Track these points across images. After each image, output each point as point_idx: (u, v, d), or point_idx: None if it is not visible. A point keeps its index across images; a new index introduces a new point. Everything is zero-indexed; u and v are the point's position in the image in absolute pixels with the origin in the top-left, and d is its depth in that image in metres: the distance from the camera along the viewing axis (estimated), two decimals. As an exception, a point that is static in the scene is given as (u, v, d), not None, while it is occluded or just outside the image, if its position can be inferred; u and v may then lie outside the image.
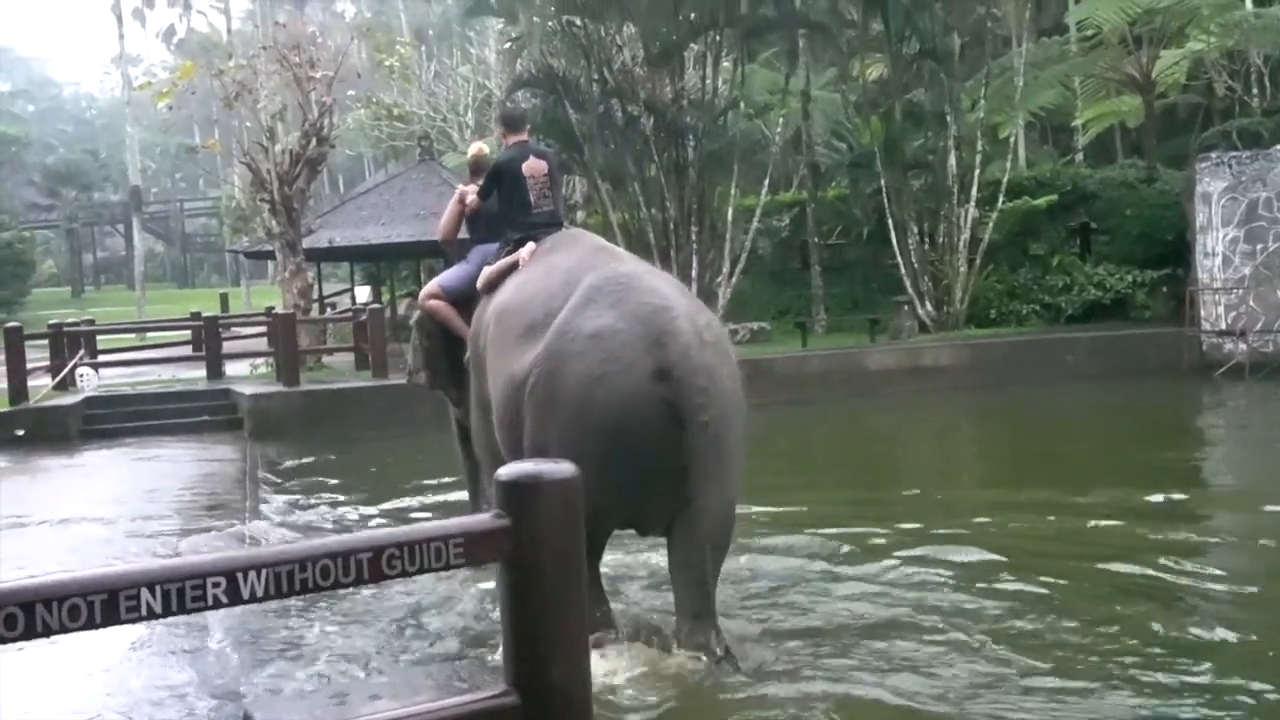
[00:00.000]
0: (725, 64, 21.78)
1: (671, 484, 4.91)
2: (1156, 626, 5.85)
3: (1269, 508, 8.83)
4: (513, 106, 7.53)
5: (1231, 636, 5.73)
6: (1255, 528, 8.42)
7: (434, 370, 7.09)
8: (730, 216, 20.65)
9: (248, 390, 15.55)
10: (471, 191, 7.00)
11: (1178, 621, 6.01)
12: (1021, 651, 5.46)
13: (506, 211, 6.49)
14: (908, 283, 21.11)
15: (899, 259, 21.14)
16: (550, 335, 5.14)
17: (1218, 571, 7.05)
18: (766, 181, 21.51)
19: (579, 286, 5.25)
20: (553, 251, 6.04)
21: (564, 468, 2.43)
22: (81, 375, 16.87)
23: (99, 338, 19.56)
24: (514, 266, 6.24)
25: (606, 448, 4.76)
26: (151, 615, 2.07)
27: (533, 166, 6.43)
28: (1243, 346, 18.35)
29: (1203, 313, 19.06)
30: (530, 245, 6.25)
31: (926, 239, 21.44)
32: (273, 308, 21.91)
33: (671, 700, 4.93)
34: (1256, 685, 5.04)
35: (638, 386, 4.85)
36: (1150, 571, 6.93)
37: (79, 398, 15.50)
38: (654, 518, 5.25)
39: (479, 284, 6.46)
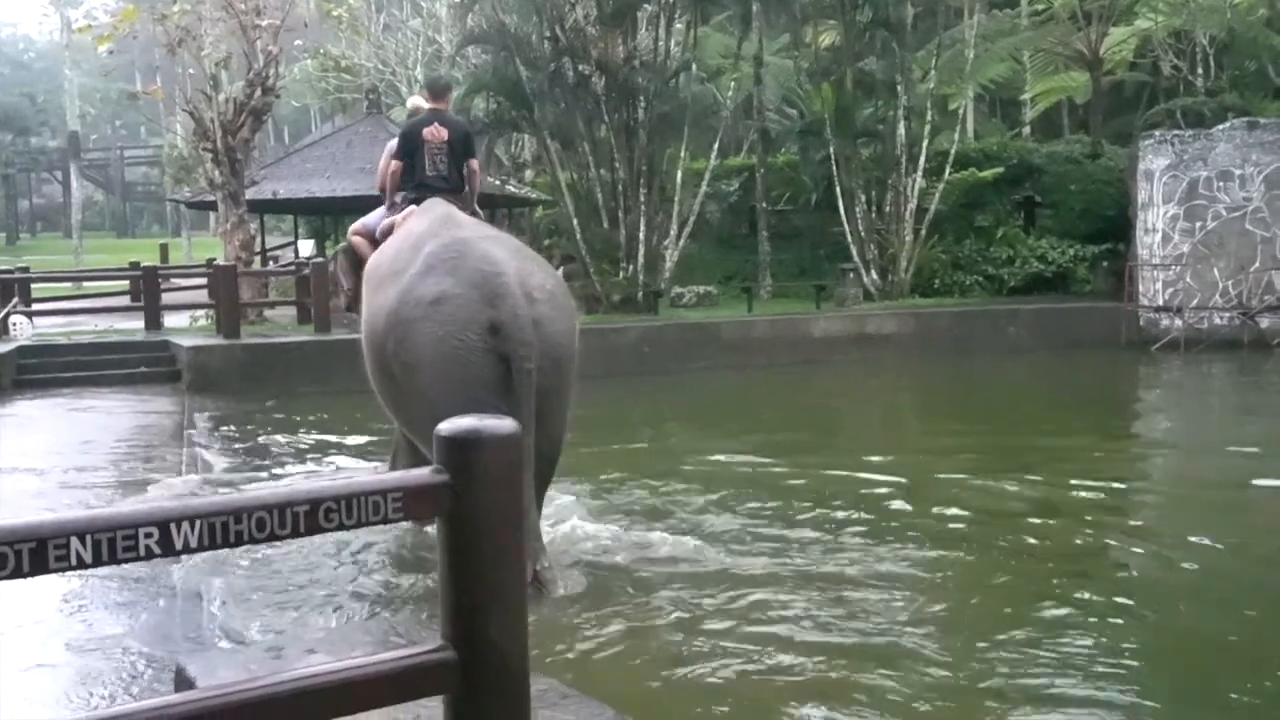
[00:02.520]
0: (678, 26, 21.64)
1: None
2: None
3: (1189, 476, 9.12)
4: (436, 76, 8.25)
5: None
6: (1174, 495, 8.99)
7: (354, 295, 7.45)
8: (679, 180, 20.60)
9: (187, 342, 15.32)
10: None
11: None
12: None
13: (405, 172, 7.02)
14: (854, 251, 21.22)
15: (846, 227, 21.24)
16: (397, 302, 5.82)
17: (1114, 523, 7.62)
18: (716, 146, 21.48)
19: (420, 253, 5.91)
20: (417, 216, 6.62)
21: (504, 423, 2.42)
22: (15, 324, 16.53)
23: (34, 286, 19.15)
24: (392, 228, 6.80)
25: (457, 395, 5.32)
26: (81, 565, 2.03)
27: (433, 132, 6.93)
28: (1179, 322, 18.69)
29: (1141, 288, 19.37)
30: (410, 208, 6.76)
31: (874, 208, 21.56)
32: (214, 259, 21.60)
33: (605, 653, 5.00)
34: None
35: (475, 343, 5.55)
36: (1058, 527, 7.51)
37: (12, 346, 15.17)
38: None
39: (377, 234, 7.06)
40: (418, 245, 6.05)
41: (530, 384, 5.50)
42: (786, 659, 5.06)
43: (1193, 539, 7.27)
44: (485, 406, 4.99)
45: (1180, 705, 4.87)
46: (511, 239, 6.73)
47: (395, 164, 7.14)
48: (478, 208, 7.44)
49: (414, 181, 6.97)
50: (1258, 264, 18.85)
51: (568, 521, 7.18)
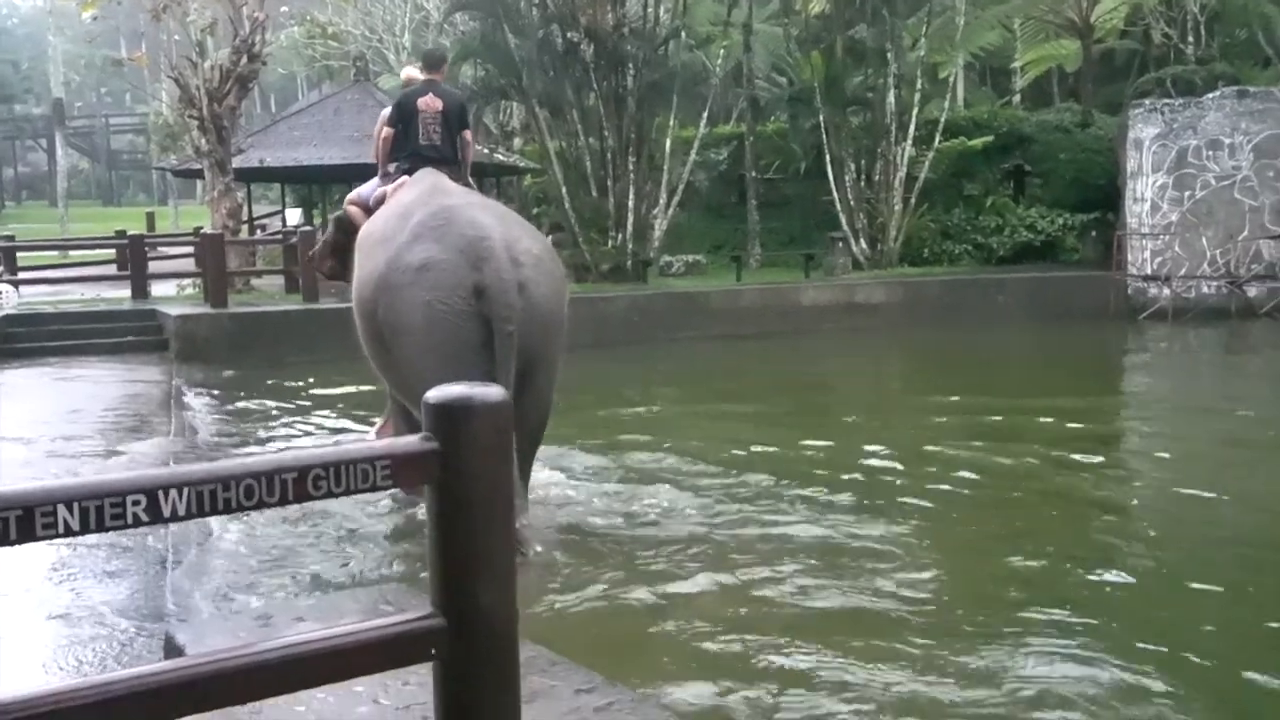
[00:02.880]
0: (668, -8, 21.52)
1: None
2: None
3: (1159, 454, 9.23)
4: (433, 48, 8.45)
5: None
6: (1159, 459, 9.12)
7: (342, 264, 7.55)
8: (668, 148, 20.53)
9: (174, 311, 15.26)
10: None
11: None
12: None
13: (400, 142, 7.11)
14: (843, 220, 21.20)
15: (835, 195, 21.21)
16: (385, 268, 5.97)
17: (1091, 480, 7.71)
18: (705, 114, 21.40)
19: (409, 222, 6.05)
20: (408, 186, 6.73)
21: (494, 391, 2.41)
22: (1, 293, 16.43)
23: (19, 254, 19.02)
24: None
25: (443, 359, 5.58)
26: (69, 532, 2.02)
27: (428, 103, 7.01)
28: (1166, 291, 18.74)
29: (1130, 257, 19.40)
30: (403, 178, 6.86)
31: (863, 176, 21.53)
32: (201, 228, 21.46)
33: (595, 623, 5.03)
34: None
35: (461, 306, 5.68)
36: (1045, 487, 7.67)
37: (-2, 315, 15.10)
38: None
39: (371, 204, 7.17)
40: (406, 214, 6.19)
41: (511, 346, 5.59)
42: (768, 622, 5.12)
43: (1179, 497, 7.49)
44: (470, 369, 5.34)
45: (1167, 668, 4.91)
46: (499, 206, 6.74)
47: (388, 131, 7.21)
48: (470, 178, 7.48)
49: (407, 151, 7.05)
50: (1246, 233, 18.89)
51: (550, 485, 7.27)
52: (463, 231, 5.83)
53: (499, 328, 5.59)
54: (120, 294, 17.71)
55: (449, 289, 5.70)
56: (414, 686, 3.05)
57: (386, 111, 7.43)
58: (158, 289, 17.84)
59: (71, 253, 26.04)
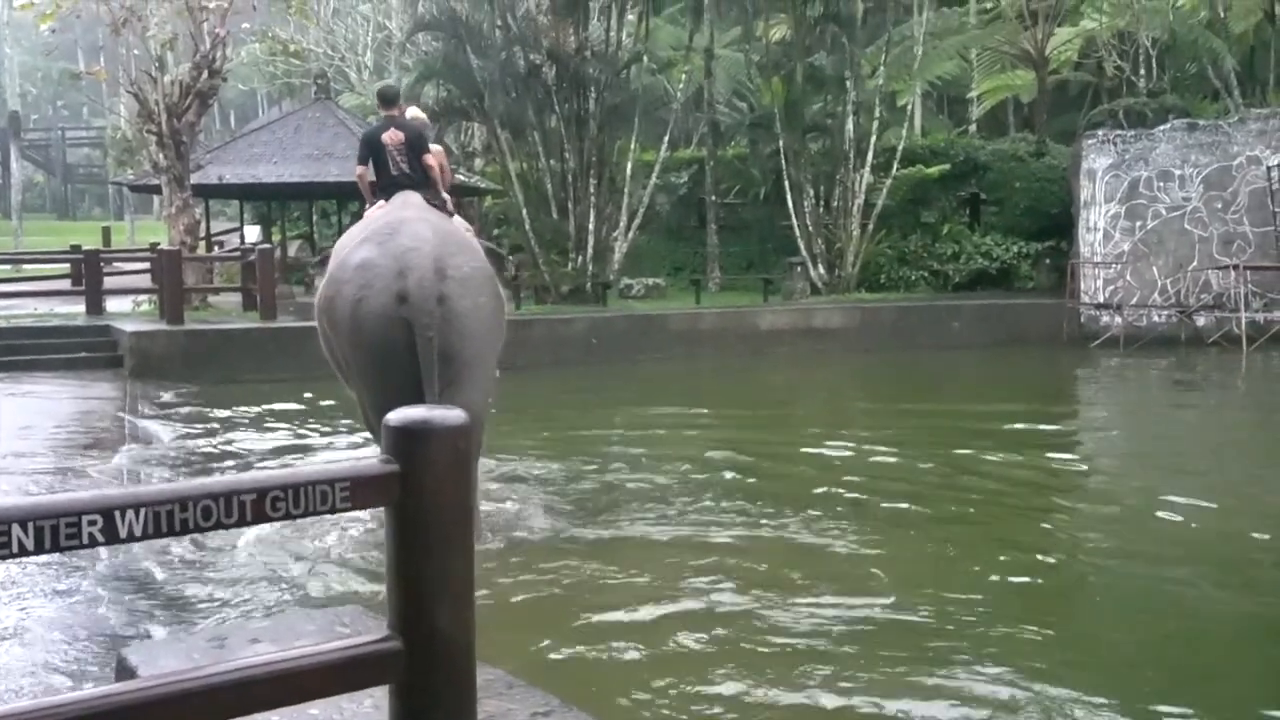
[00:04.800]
0: (630, 17, 21.65)
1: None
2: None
3: (1114, 464, 9.33)
4: (385, 85, 8.83)
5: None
6: (1098, 481, 9.40)
7: None
8: (629, 171, 20.61)
9: (129, 327, 15.09)
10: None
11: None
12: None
13: (376, 174, 7.64)
14: (802, 245, 21.35)
15: (794, 221, 21.36)
16: (335, 267, 6.63)
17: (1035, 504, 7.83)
18: (667, 138, 21.51)
19: (366, 230, 6.72)
20: (381, 206, 7.28)
21: (454, 413, 2.42)
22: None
23: (-29, 268, 18.75)
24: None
25: (372, 355, 6.23)
26: (23, 552, 2.01)
27: (391, 137, 7.52)
28: (1118, 320, 18.98)
29: (1083, 285, 19.66)
30: (381, 201, 7.37)
31: (822, 202, 21.70)
32: (158, 243, 21.27)
33: (546, 641, 5.06)
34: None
35: (385, 308, 6.14)
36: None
37: (-52, 329, 14.89)
38: None
39: None
40: (367, 224, 6.95)
41: (432, 351, 6.03)
42: (727, 643, 5.15)
43: (1114, 512, 7.81)
44: (395, 368, 6.09)
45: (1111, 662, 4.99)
46: (447, 225, 7.06)
47: (360, 169, 7.80)
48: (446, 195, 7.78)
49: (384, 182, 7.58)
50: (1195, 263, 19.20)
51: (505, 497, 7.59)
52: (400, 241, 6.35)
53: (419, 333, 6.04)
54: (74, 309, 17.50)
55: (376, 290, 6.19)
56: (369, 709, 3.04)
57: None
58: (113, 305, 17.65)
59: (25, 267, 25.65)
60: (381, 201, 7.37)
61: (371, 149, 7.65)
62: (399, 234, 6.43)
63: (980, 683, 4.70)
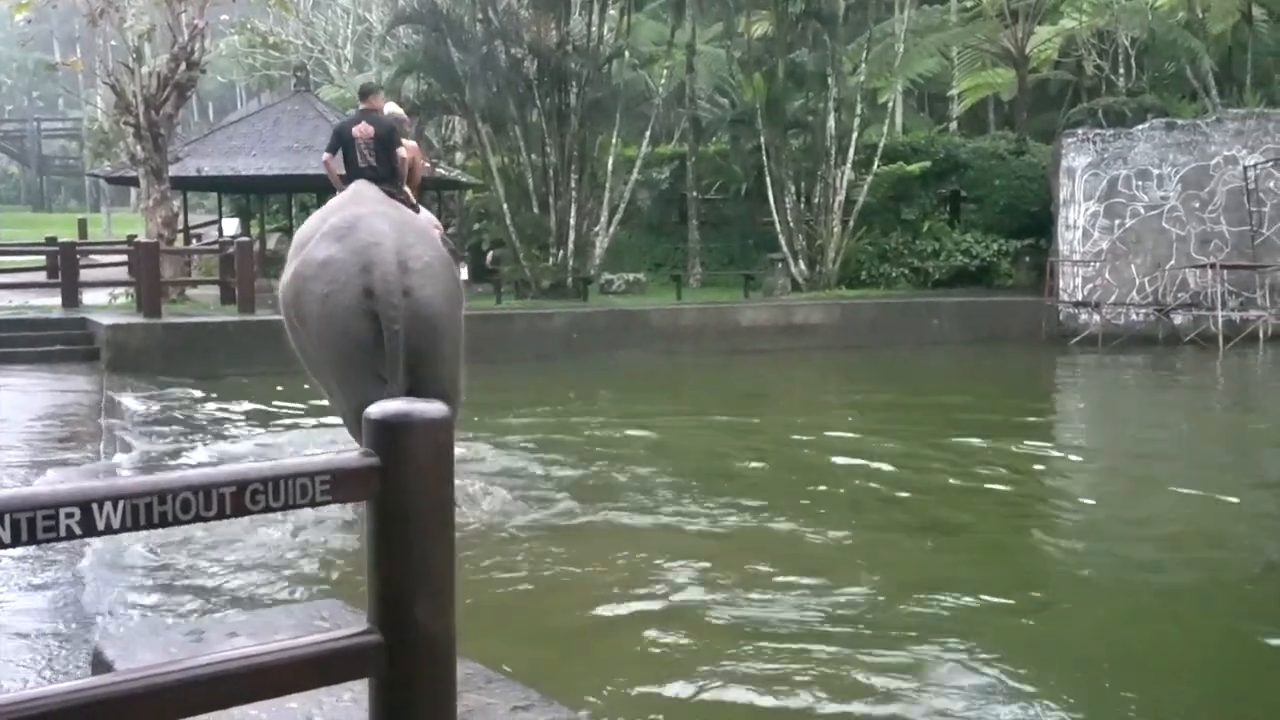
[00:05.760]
0: (612, 12, 21.62)
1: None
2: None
3: (1090, 456, 9.40)
4: (367, 82, 9.32)
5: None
6: (1075, 472, 9.41)
7: None
8: (611, 166, 20.60)
9: (106, 320, 15.00)
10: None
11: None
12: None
13: (345, 165, 7.86)
14: (783, 241, 21.38)
15: (775, 217, 21.39)
16: (299, 264, 6.75)
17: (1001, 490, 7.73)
18: (648, 133, 21.51)
19: (324, 225, 6.82)
20: (337, 197, 7.51)
21: (434, 407, 2.41)
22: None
23: (-55, 259, 18.57)
24: None
25: (338, 348, 6.46)
26: (0, 545, 1.99)
27: (362, 130, 7.75)
28: (1097, 318, 19.09)
29: (1061, 283, 19.76)
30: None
31: (803, 198, 21.73)
32: (135, 236, 21.13)
33: (525, 634, 5.06)
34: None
35: (351, 302, 6.35)
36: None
37: (-78, 321, 14.75)
38: None
39: None
40: (324, 218, 7.07)
41: (398, 342, 6.23)
42: (707, 634, 5.17)
43: (1088, 505, 7.95)
44: (361, 359, 6.33)
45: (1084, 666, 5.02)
46: (403, 215, 7.22)
47: (327, 156, 8.07)
48: (409, 190, 8.00)
49: (349, 174, 7.78)
50: (1173, 261, 19.32)
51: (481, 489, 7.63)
52: (360, 237, 6.52)
53: (386, 326, 6.23)
54: (50, 302, 17.37)
55: (342, 285, 6.39)
56: (348, 703, 3.03)
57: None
58: (89, 297, 17.53)
59: (0, 259, 25.46)
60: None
61: (341, 140, 7.90)
62: (357, 229, 6.60)
63: (959, 678, 4.72)
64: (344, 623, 3.29)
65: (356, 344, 6.36)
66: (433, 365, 6.50)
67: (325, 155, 8.15)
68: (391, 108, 8.44)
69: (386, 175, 7.79)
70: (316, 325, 6.57)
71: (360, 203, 7.14)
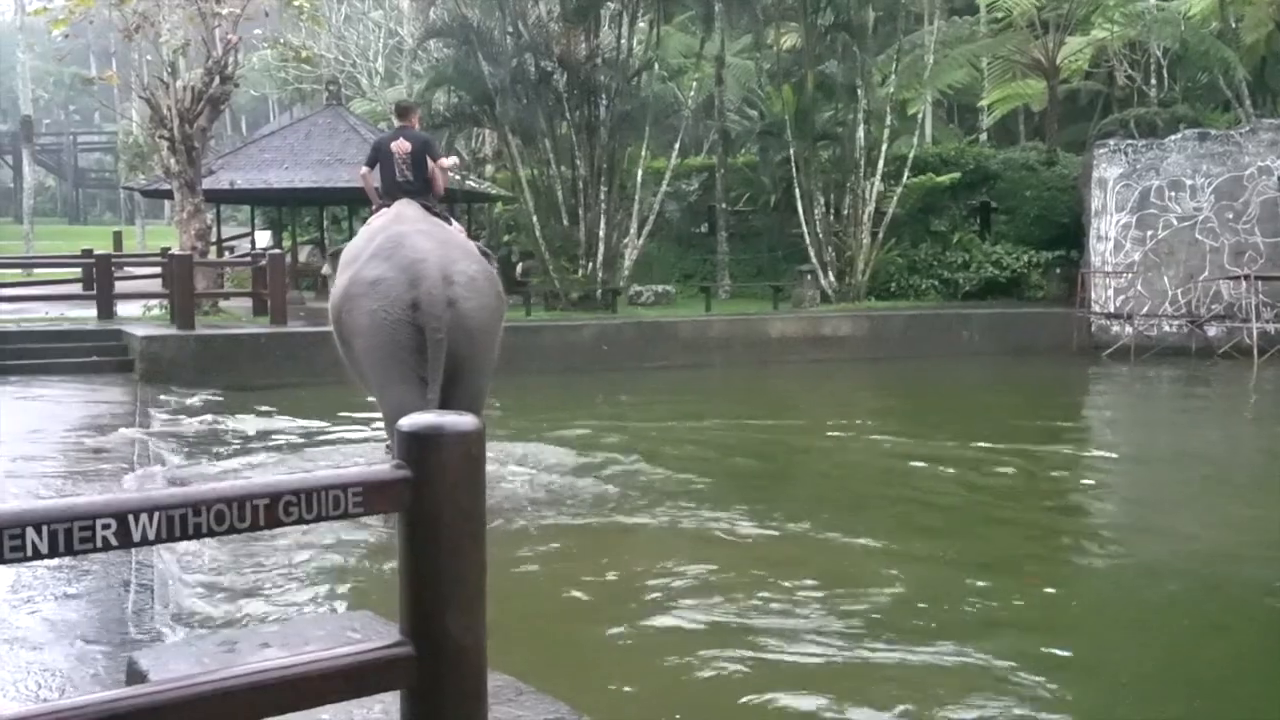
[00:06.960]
0: (641, 24, 21.67)
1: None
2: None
3: (1125, 471, 9.30)
4: (404, 100, 9.87)
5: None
6: (1108, 486, 9.44)
7: None
8: (640, 178, 20.62)
9: (140, 332, 15.13)
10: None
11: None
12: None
13: (383, 180, 8.33)
14: (812, 253, 21.34)
15: (804, 229, 21.35)
16: (349, 283, 7.25)
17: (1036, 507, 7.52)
18: (677, 145, 21.52)
19: (371, 245, 7.33)
20: (380, 215, 7.96)
21: (466, 419, 2.42)
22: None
23: (-17, 272, 18.79)
24: None
25: (384, 357, 6.94)
26: (37, 555, 2.02)
27: (399, 146, 8.16)
28: (1129, 329, 18.94)
29: (1093, 295, 19.62)
30: (383, 209, 8.02)
31: (832, 210, 21.68)
32: (169, 248, 21.32)
33: (552, 642, 5.06)
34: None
35: (401, 316, 6.87)
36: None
37: (-40, 333, 14.92)
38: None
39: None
40: (370, 238, 7.50)
41: (440, 350, 6.72)
42: (741, 649, 5.14)
43: (1118, 515, 7.97)
44: (405, 367, 6.84)
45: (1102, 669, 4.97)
46: (445, 232, 7.70)
47: (364, 169, 8.55)
48: (438, 204, 8.33)
49: (387, 187, 8.23)
50: (1206, 273, 19.15)
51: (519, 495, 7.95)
52: (406, 254, 7.03)
53: (430, 335, 6.74)
54: (85, 313, 17.54)
55: (391, 300, 6.90)
56: (379, 715, 3.04)
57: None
58: (123, 309, 17.69)
59: (36, 271, 25.74)
60: (384, 209, 8.02)
61: (380, 155, 8.35)
62: (403, 247, 7.10)
63: (970, 685, 4.70)
64: (375, 634, 3.31)
65: (403, 351, 6.83)
66: (470, 374, 6.98)
67: (363, 169, 8.59)
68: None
69: (421, 189, 8.18)
70: (367, 337, 7.02)
71: (402, 221, 7.57)
